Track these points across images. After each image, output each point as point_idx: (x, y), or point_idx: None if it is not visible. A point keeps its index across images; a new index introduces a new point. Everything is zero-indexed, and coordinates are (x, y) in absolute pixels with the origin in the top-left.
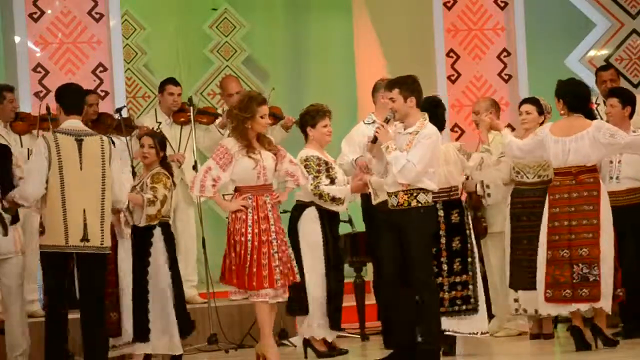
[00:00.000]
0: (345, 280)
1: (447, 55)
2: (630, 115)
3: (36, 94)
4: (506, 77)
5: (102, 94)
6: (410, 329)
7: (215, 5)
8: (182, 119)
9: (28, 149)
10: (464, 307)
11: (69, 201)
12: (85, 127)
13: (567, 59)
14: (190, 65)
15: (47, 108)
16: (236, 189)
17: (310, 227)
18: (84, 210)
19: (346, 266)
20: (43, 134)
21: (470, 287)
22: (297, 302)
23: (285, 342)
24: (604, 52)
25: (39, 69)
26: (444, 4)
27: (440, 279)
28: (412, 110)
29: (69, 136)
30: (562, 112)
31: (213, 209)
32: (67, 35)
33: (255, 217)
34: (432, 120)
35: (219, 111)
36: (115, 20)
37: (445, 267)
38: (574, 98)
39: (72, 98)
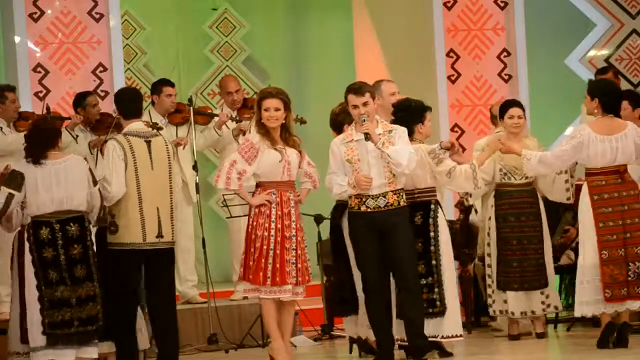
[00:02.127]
0: None
1: (447, 55)
2: None
3: (36, 94)
4: (506, 77)
5: (102, 94)
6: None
7: (215, 5)
8: (178, 120)
9: None
10: (429, 310)
11: (145, 200)
12: (148, 128)
13: (567, 59)
14: (190, 65)
15: (47, 108)
16: (258, 184)
17: None
18: (158, 208)
19: None
20: (114, 137)
21: (436, 290)
22: (346, 301)
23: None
24: (604, 52)
25: (39, 69)
26: (444, 4)
27: None
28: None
29: (139, 138)
30: (596, 111)
31: (213, 209)
32: (67, 35)
33: (279, 212)
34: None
35: (218, 111)
36: (115, 20)
37: None
38: (611, 98)
39: (133, 101)
